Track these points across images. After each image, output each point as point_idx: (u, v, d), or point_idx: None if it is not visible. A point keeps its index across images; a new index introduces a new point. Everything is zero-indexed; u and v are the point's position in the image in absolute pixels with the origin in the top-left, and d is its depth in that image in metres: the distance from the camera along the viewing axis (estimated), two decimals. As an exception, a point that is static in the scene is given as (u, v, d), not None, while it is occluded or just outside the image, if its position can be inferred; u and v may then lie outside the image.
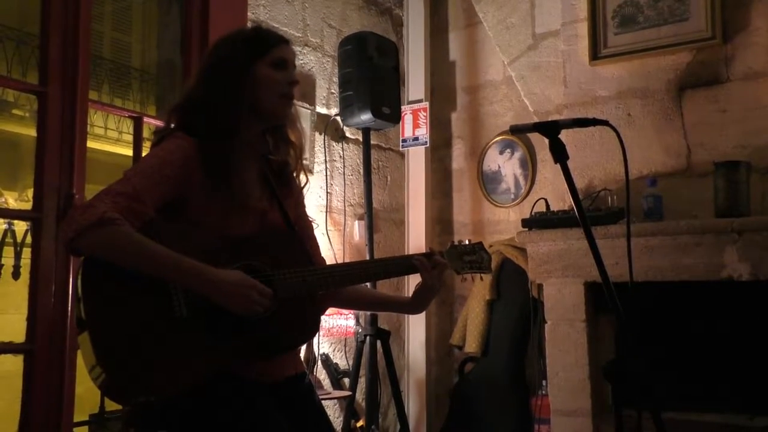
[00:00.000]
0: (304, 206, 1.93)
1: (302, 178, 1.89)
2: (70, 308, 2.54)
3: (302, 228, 1.87)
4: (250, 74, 1.69)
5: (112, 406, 2.74)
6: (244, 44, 1.72)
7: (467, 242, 1.99)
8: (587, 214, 2.97)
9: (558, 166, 1.74)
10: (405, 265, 1.85)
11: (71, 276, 2.54)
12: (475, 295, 4.06)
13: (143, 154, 2.88)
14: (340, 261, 3.87)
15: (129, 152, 3.11)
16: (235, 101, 1.67)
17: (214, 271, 1.53)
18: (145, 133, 3.04)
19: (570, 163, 1.74)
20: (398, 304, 2.10)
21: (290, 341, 1.68)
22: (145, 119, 3.07)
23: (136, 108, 5.36)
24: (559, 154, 1.72)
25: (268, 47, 1.73)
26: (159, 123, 3.17)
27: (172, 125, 1.73)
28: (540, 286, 3.50)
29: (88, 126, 2.75)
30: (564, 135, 1.75)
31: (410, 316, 4.40)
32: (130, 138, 3.18)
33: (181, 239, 1.56)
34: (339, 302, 1.99)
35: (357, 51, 3.54)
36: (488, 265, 1.97)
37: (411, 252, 4.39)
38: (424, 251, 1.97)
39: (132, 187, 1.54)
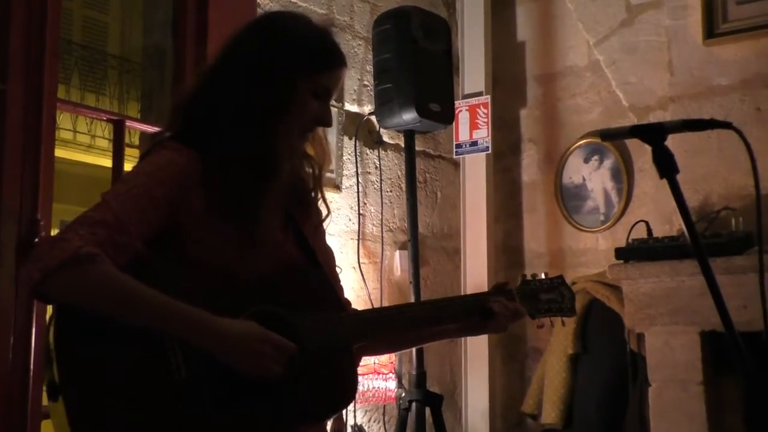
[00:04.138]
0: (323, 233, 1.96)
1: (322, 208, 1.92)
2: (32, 366, 2.58)
3: (322, 263, 1.90)
4: (293, 92, 1.71)
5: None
6: (297, 50, 1.72)
7: (543, 276, 2.00)
8: (704, 241, 2.94)
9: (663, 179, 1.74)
10: (474, 305, 1.87)
11: (34, 326, 2.59)
12: (554, 348, 4.04)
13: (125, 165, 2.94)
14: (376, 302, 3.89)
15: (105, 162, 3.16)
16: (276, 128, 1.71)
17: (218, 321, 1.55)
18: (127, 139, 3.08)
19: (680, 175, 1.72)
20: (446, 332, 2.08)
21: (320, 410, 1.69)
22: (128, 123, 3.13)
23: (114, 105, 5.47)
24: (666, 166, 1.71)
25: (324, 67, 1.74)
26: (147, 128, 3.22)
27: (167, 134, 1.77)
28: (641, 337, 3.48)
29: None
30: (671, 138, 1.75)
31: (469, 377, 4.41)
32: (105, 144, 3.21)
33: (175, 280, 1.58)
34: (374, 349, 2.03)
35: (397, 31, 3.56)
36: (571, 306, 1.99)
37: (469, 290, 4.39)
38: (494, 286, 1.98)
39: (113, 214, 1.57)
